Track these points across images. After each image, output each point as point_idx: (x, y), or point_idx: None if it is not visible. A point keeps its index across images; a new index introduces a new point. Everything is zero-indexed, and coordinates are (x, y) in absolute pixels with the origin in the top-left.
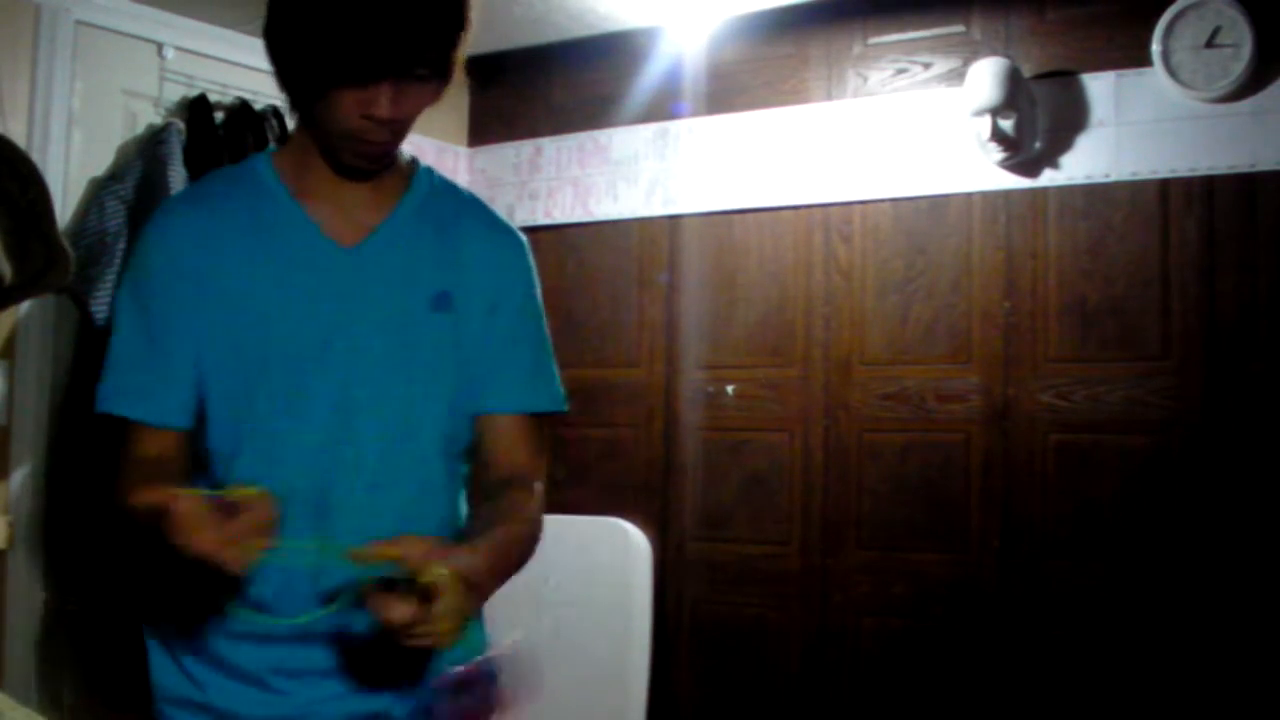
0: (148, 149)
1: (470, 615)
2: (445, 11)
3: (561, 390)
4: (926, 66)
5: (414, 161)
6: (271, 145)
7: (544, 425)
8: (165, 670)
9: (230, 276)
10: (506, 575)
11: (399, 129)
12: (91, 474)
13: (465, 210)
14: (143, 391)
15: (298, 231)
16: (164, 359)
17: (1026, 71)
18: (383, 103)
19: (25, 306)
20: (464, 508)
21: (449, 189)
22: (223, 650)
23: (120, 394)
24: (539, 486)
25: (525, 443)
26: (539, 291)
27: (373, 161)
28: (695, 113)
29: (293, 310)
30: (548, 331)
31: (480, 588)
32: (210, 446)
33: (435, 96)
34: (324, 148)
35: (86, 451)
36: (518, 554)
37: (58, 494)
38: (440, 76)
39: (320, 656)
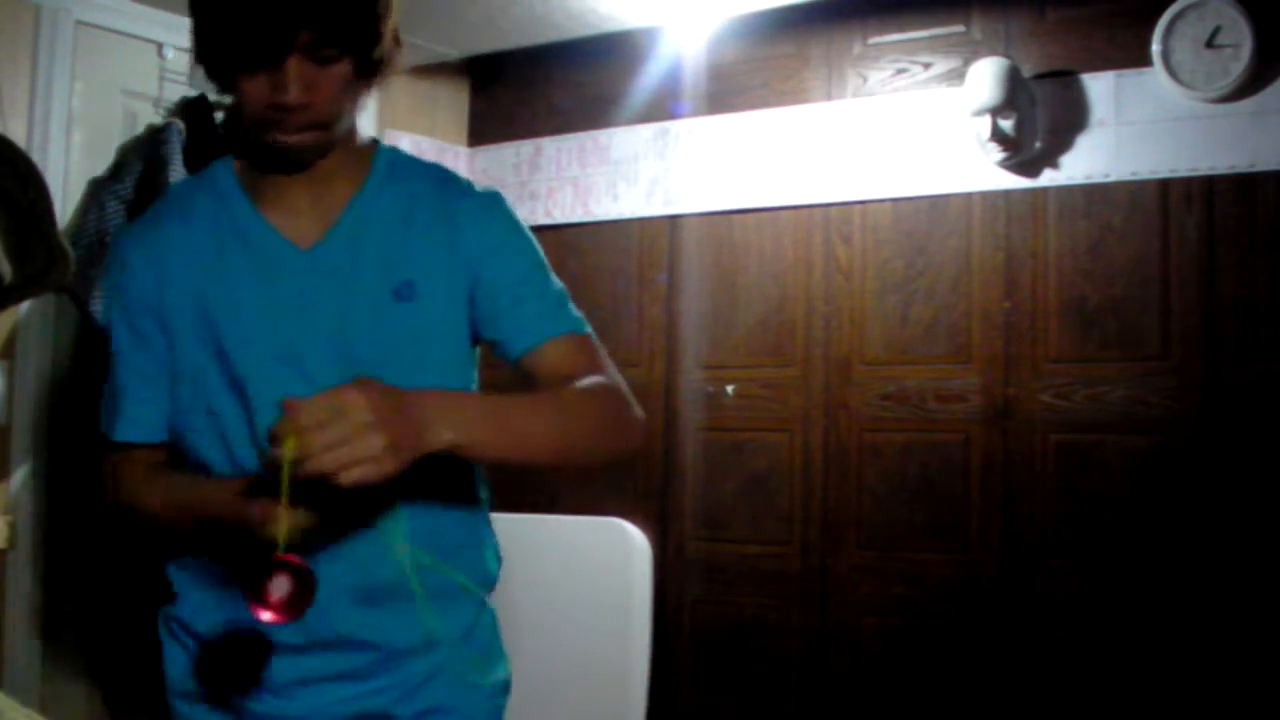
0: (148, 149)
1: (383, 425)
2: None
3: (578, 314)
4: (926, 66)
5: (374, 144)
6: None
7: (589, 341)
8: (177, 663)
9: (199, 290)
10: (508, 420)
11: (313, 116)
12: (92, 473)
13: (428, 189)
14: (148, 421)
15: (256, 238)
16: (158, 385)
17: (1026, 71)
18: (288, 87)
19: (25, 306)
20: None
21: (411, 169)
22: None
23: (131, 424)
24: (596, 378)
25: (571, 359)
26: (527, 233)
27: (296, 153)
28: (695, 113)
29: (258, 322)
30: (548, 267)
31: (408, 404)
32: (182, 449)
33: (360, 79)
34: (254, 146)
35: (86, 451)
36: (528, 409)
37: (57, 494)
38: (352, 54)
39: (337, 662)
